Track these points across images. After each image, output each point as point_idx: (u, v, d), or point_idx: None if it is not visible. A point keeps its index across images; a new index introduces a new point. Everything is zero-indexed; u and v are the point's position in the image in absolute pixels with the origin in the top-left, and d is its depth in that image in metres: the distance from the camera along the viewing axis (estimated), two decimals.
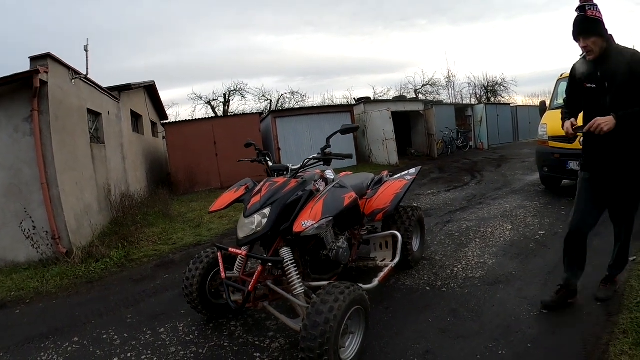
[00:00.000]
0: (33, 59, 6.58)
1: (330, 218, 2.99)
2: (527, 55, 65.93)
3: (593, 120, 2.85)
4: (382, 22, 61.51)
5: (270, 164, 3.85)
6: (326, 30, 59.60)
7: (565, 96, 3.51)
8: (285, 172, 3.55)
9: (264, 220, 3.01)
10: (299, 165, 3.51)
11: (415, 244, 4.75)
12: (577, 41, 3.03)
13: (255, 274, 3.10)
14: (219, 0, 60.73)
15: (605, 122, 2.78)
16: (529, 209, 6.81)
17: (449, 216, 6.97)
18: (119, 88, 11.47)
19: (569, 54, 53.49)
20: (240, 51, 54.96)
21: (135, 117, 13.79)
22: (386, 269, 3.67)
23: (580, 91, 3.21)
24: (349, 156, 3.55)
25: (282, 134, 16.37)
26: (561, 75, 8.25)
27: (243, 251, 3.25)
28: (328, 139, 3.58)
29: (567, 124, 3.13)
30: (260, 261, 3.16)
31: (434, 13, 62.68)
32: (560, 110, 3.45)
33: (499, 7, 61.53)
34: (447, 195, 9.15)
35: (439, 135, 19.68)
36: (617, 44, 3.04)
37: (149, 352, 3.56)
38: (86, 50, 7.80)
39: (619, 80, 2.92)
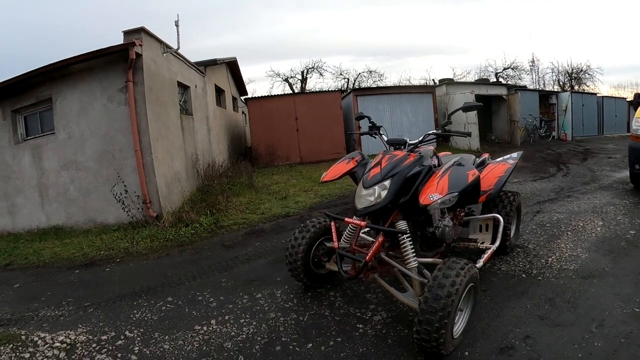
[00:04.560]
0: (127, 33, 6.89)
1: (456, 193, 2.96)
2: (615, 42, 57.84)
3: None
4: (452, 0, 57.55)
5: (384, 137, 3.85)
6: (394, 8, 56.98)
7: None
8: (402, 146, 3.53)
9: (384, 192, 3.05)
10: (417, 140, 3.56)
11: (512, 230, 4.66)
12: None
13: (375, 244, 3.09)
14: None
15: None
16: (619, 206, 6.47)
17: (538, 206, 6.77)
18: (205, 63, 11.85)
19: None
20: (306, 32, 55.04)
21: (218, 92, 14.23)
22: (488, 252, 3.65)
23: None
24: (469, 134, 3.63)
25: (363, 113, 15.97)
26: None
27: (362, 222, 3.21)
28: (449, 116, 3.72)
29: None
30: (380, 232, 3.15)
31: None
32: None
33: None
34: (534, 185, 8.83)
35: (521, 123, 18.39)
36: None
37: (247, 316, 3.64)
38: (177, 25, 8.05)
39: None
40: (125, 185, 6.81)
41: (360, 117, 4.26)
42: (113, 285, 4.66)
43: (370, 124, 4.07)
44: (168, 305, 3.98)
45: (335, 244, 3.36)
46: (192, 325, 3.55)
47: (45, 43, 40.77)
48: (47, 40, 42.92)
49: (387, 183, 3.07)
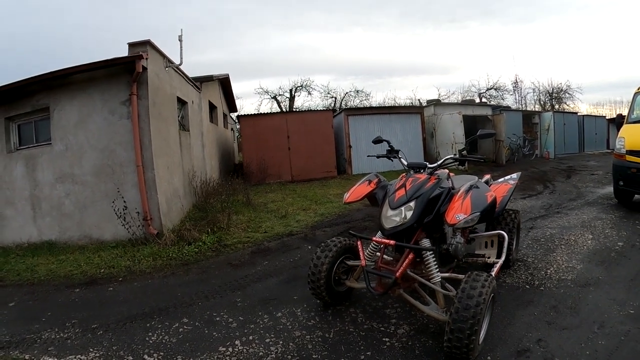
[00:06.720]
0: (132, 45, 6.77)
1: (478, 213, 3.18)
2: (591, 62, 61.76)
3: None
4: (431, 24, 60.23)
5: (404, 161, 4.02)
6: (375, 30, 58.91)
7: None
8: (422, 169, 3.70)
9: (410, 213, 3.23)
10: (437, 164, 3.79)
11: (514, 245, 4.89)
12: None
13: (405, 262, 3.22)
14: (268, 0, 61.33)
15: None
16: (606, 220, 6.86)
17: (531, 223, 7.02)
18: (200, 79, 11.78)
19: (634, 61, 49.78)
20: (291, 50, 56.00)
21: (211, 108, 14.12)
22: (497, 265, 3.86)
23: None
24: (483, 159, 4.01)
25: (353, 132, 16.14)
26: (638, 89, 8.01)
27: (392, 241, 3.27)
28: (467, 142, 4.04)
29: None
30: (407, 250, 3.29)
31: (485, 15, 60.36)
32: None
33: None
34: (524, 202, 9.05)
35: (506, 142, 19.00)
36: None
37: (272, 335, 3.58)
38: (180, 40, 7.97)
39: None
40: (125, 201, 6.59)
41: (378, 140, 4.39)
42: (119, 306, 4.45)
43: (389, 148, 4.23)
44: (185, 327, 3.83)
45: (363, 262, 3.43)
46: (216, 346, 3.44)
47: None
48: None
49: (412, 204, 3.24)
